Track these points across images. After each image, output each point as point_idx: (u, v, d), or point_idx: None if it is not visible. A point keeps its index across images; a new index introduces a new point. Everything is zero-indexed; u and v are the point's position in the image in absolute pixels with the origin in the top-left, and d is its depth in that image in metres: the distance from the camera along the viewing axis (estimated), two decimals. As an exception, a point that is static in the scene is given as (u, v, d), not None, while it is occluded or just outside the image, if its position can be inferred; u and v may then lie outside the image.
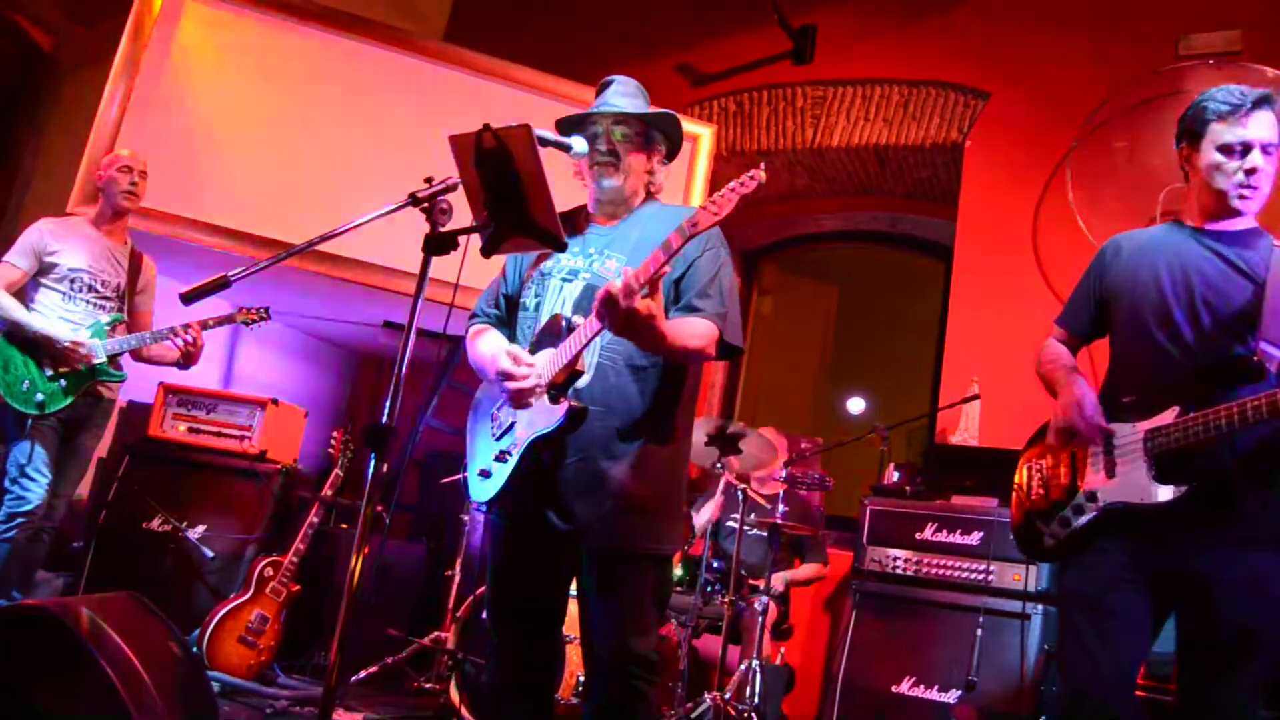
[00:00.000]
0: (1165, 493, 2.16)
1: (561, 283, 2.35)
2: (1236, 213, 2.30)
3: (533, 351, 2.27)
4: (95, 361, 3.75)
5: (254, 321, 4.00)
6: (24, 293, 3.80)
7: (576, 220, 2.46)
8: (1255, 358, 2.13)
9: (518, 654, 2.34)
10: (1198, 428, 2.12)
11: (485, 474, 2.30)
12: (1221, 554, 2.13)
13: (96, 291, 3.88)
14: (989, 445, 4.36)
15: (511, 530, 2.33)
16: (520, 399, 2.20)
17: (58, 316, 3.77)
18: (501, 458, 2.26)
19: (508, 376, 2.19)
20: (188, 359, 3.85)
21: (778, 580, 4.40)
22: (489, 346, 2.35)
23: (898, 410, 5.45)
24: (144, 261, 4.13)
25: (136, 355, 3.97)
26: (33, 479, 3.68)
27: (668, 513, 2.32)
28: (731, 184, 1.94)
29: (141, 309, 4.12)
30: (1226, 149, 2.25)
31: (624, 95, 2.42)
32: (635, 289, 1.96)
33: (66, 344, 3.68)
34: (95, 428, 3.96)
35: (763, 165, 1.97)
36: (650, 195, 2.49)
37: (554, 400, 2.17)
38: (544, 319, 2.32)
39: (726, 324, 2.27)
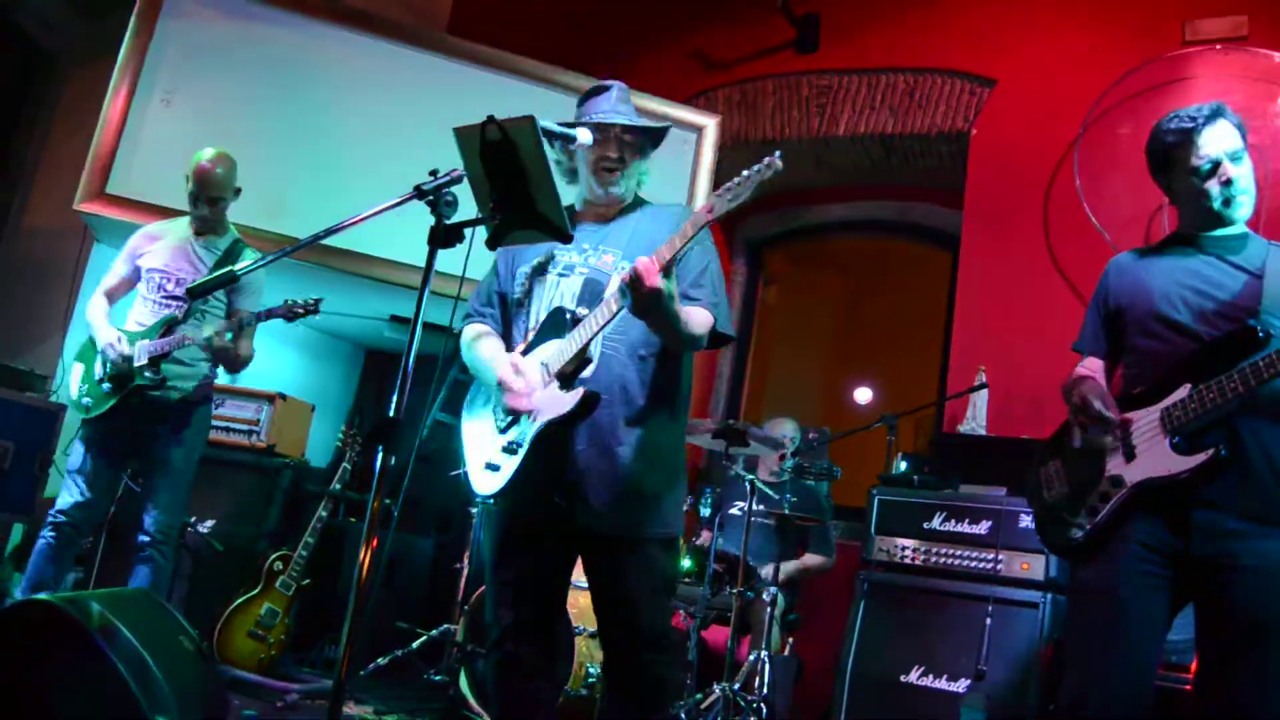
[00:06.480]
0: (1188, 462, 2.18)
1: (558, 278, 2.40)
2: (1231, 221, 2.37)
3: (533, 346, 2.33)
4: (136, 364, 3.58)
5: (301, 315, 3.61)
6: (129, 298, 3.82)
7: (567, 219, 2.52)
8: (1259, 330, 2.16)
9: (521, 645, 2.35)
10: (1213, 395, 2.16)
11: (492, 466, 2.32)
12: (1240, 540, 2.13)
13: (165, 291, 3.74)
14: (997, 434, 4.36)
15: (517, 520, 2.35)
16: (514, 410, 2.28)
17: (135, 320, 3.73)
18: (510, 449, 2.28)
19: (505, 387, 2.28)
20: (226, 367, 3.75)
21: (786, 569, 4.39)
22: (489, 351, 2.42)
23: (905, 400, 5.43)
24: (243, 256, 3.86)
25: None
26: (70, 484, 3.61)
27: (672, 497, 2.39)
28: (747, 171, 2.01)
29: (236, 307, 3.80)
30: (1197, 172, 2.34)
31: (623, 103, 2.48)
32: (657, 270, 2.03)
33: (103, 345, 3.62)
34: (167, 433, 3.68)
35: (778, 153, 2.02)
36: (637, 197, 2.57)
37: (564, 388, 2.23)
38: (537, 314, 2.38)
39: (719, 314, 2.35)
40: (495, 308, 2.54)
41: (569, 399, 2.20)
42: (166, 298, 3.75)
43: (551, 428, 2.22)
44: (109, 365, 3.63)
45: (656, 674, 2.31)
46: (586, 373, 2.26)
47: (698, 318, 2.27)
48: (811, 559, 4.61)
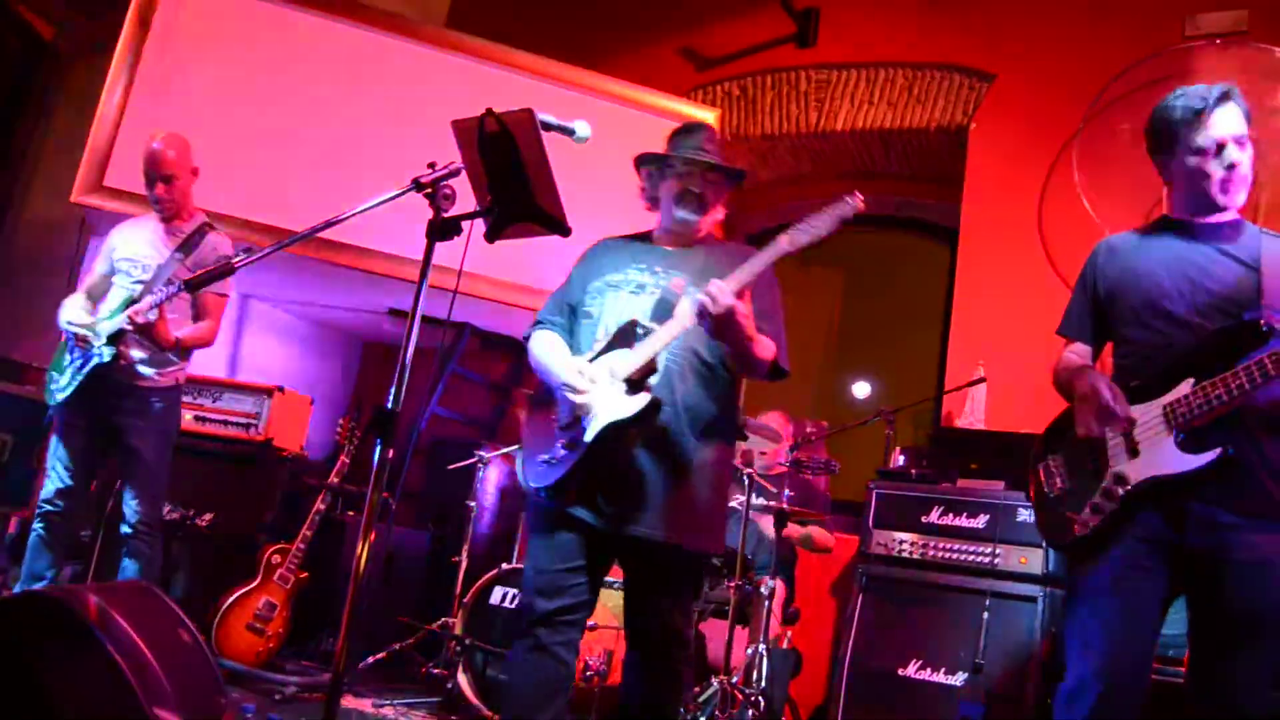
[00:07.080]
0: (1195, 461, 2.16)
1: (630, 295, 2.54)
2: (1223, 207, 2.35)
3: (601, 354, 2.46)
4: (95, 344, 3.58)
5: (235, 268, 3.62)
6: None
7: (642, 240, 2.71)
8: (1262, 322, 2.14)
9: (551, 634, 2.43)
10: (1218, 392, 2.14)
11: (550, 462, 2.45)
12: (1234, 534, 2.13)
13: (131, 276, 3.75)
14: (995, 428, 4.36)
15: (564, 516, 2.45)
16: (579, 410, 2.40)
17: (107, 309, 3.72)
18: (571, 445, 2.40)
19: (570, 389, 2.38)
20: (156, 344, 3.62)
21: (793, 530, 4.34)
22: (557, 356, 2.54)
23: (903, 394, 5.44)
24: (207, 240, 3.82)
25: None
26: (50, 472, 3.64)
27: (718, 516, 2.57)
28: (829, 209, 2.35)
29: (201, 290, 3.71)
30: (1201, 152, 2.31)
31: (710, 143, 2.65)
32: (730, 291, 2.22)
33: (63, 322, 3.63)
34: (136, 422, 3.66)
35: (857, 193, 2.33)
36: (710, 234, 2.72)
37: (630, 393, 2.36)
38: (607, 326, 2.51)
39: (781, 348, 2.51)
40: (564, 317, 2.67)
41: (634, 402, 2.34)
42: (133, 283, 3.75)
43: (612, 429, 2.33)
44: (74, 347, 3.64)
45: (676, 668, 2.51)
46: (651, 381, 2.39)
47: (766, 343, 2.44)
48: (817, 530, 4.57)
